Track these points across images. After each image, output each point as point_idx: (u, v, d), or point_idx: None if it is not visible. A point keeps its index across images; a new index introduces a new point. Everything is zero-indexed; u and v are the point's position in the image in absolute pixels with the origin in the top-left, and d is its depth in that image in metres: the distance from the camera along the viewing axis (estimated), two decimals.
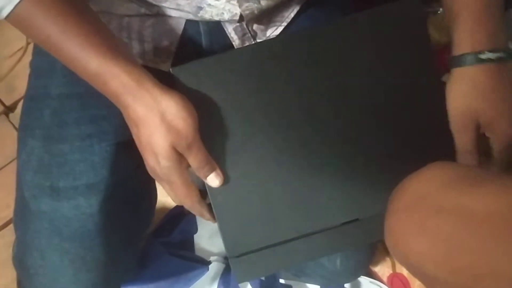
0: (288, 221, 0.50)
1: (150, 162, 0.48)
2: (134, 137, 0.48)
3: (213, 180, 0.50)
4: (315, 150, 0.49)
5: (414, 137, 0.51)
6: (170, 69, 0.48)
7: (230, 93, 0.48)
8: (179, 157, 0.47)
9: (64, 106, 0.57)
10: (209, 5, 0.53)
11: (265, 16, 0.58)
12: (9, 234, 0.61)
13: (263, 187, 0.49)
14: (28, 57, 0.62)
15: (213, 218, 0.51)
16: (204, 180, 0.50)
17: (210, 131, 0.48)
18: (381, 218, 0.46)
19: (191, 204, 0.51)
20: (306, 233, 0.50)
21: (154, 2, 0.54)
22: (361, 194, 0.50)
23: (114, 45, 0.46)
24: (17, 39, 1.15)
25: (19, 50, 1.14)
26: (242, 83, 0.48)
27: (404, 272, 0.80)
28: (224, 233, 0.49)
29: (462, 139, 0.52)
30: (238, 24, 0.57)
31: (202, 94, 0.47)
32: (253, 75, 0.48)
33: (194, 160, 0.48)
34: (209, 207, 0.51)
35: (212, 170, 0.50)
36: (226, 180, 0.49)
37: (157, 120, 0.45)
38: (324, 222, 0.50)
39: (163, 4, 0.54)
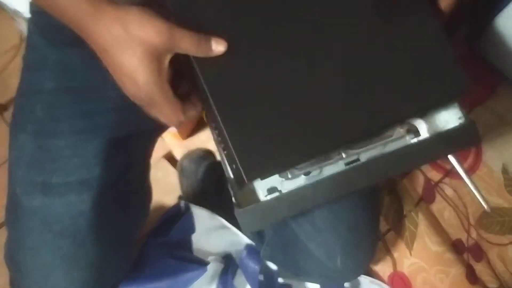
0: (304, 139, 0.50)
1: (128, 85, 0.45)
2: (107, 65, 0.45)
3: (218, 47, 0.46)
4: (321, 66, 0.50)
5: (414, 59, 0.52)
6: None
7: (234, 15, 0.48)
8: (158, 66, 0.45)
9: (57, 101, 0.56)
10: None
11: None
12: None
13: (276, 106, 0.49)
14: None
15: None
16: (210, 54, 0.47)
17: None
18: (381, 159, 0.52)
19: (178, 119, 0.49)
20: (322, 151, 0.51)
21: None
22: (367, 110, 0.51)
23: None
24: (11, 37, 1.16)
25: (12, 48, 1.15)
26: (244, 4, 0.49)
27: (405, 270, 0.80)
28: (240, 157, 0.48)
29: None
30: None
31: (201, 20, 0.47)
32: None
33: (185, 43, 0.45)
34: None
35: (208, 40, 0.46)
36: (236, 104, 0.48)
37: (122, 35, 0.43)
38: (339, 138, 0.51)
39: None
